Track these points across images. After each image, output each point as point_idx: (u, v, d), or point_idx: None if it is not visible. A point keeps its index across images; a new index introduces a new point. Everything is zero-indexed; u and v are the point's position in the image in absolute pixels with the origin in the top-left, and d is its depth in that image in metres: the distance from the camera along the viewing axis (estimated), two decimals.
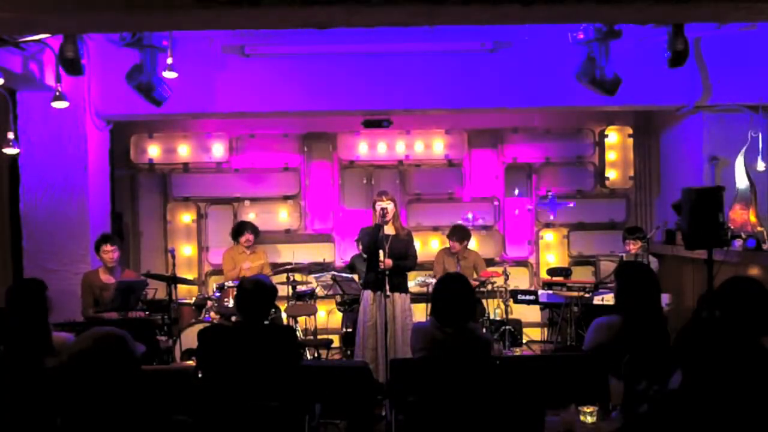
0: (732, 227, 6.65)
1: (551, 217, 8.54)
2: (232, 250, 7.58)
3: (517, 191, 8.51)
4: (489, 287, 7.45)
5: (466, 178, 8.74)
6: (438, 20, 4.10)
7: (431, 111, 7.57)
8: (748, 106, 7.13)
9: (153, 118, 7.57)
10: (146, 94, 6.25)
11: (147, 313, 6.61)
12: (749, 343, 2.51)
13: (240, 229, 7.56)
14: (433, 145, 8.70)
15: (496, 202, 8.75)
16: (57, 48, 5.83)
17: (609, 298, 6.72)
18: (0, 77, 5.58)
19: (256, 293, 4.09)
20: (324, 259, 8.49)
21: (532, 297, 7.53)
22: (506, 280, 7.41)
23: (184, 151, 8.55)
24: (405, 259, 6.27)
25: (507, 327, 7.23)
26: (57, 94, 5.94)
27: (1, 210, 6.86)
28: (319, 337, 7.64)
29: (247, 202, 8.60)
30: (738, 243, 6.35)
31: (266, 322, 4.46)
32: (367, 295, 6.23)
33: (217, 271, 8.31)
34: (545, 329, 8.46)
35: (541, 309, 8.22)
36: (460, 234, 7.47)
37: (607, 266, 7.67)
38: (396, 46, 7.03)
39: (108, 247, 6.35)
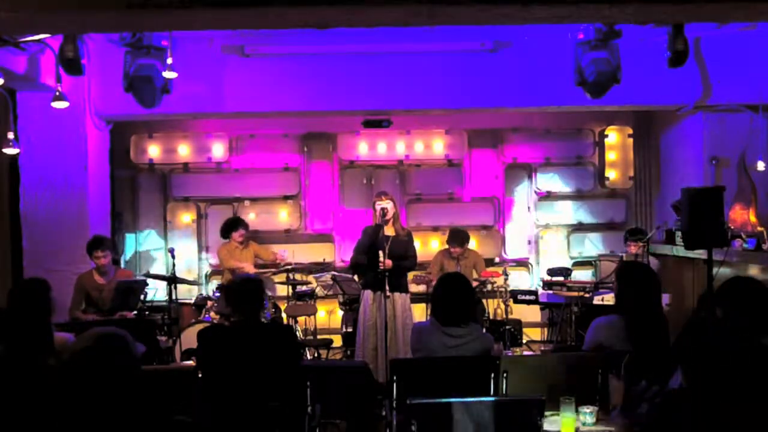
0: (732, 227, 6.65)
1: None
2: (226, 246, 7.52)
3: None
4: (489, 287, 7.45)
5: (466, 178, 8.74)
6: (438, 20, 4.10)
7: (431, 111, 7.57)
8: (748, 106, 7.13)
9: (153, 118, 7.57)
10: (142, 96, 6.22)
11: (146, 312, 6.61)
12: (749, 342, 2.51)
13: (234, 224, 7.49)
14: (433, 145, 8.70)
15: (496, 202, 8.76)
16: (57, 48, 5.83)
17: (609, 298, 6.72)
18: (0, 77, 5.58)
19: (246, 289, 4.09)
20: (324, 259, 8.49)
21: (532, 297, 7.53)
22: (506, 280, 7.41)
23: (184, 151, 8.55)
24: (405, 259, 6.27)
25: (507, 327, 7.23)
26: (57, 94, 5.93)
27: (1, 210, 6.86)
28: (319, 337, 7.64)
29: (247, 202, 8.60)
30: (738, 243, 6.36)
31: (265, 321, 4.47)
32: (367, 295, 6.23)
33: (218, 271, 8.31)
34: (545, 329, 8.46)
35: (541, 309, 8.22)
36: (459, 238, 7.46)
37: (607, 266, 7.68)
38: (396, 46, 7.03)
39: (99, 253, 6.25)
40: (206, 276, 8.58)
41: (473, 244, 8.01)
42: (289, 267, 7.43)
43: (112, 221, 7.61)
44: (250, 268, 7.20)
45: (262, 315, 6.53)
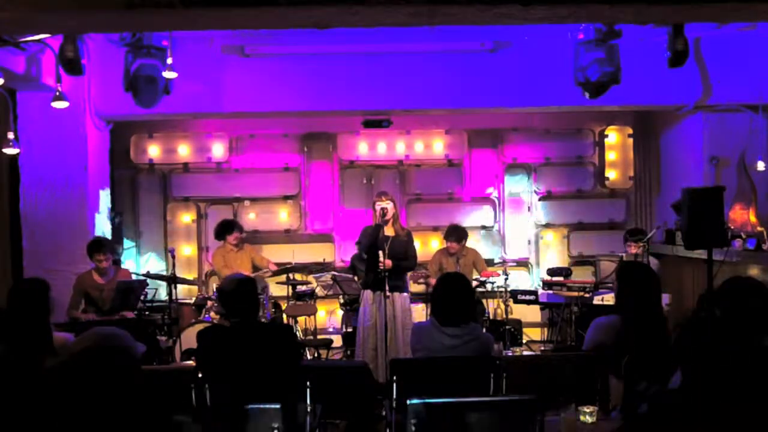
0: (732, 227, 6.65)
1: None
2: (221, 249, 7.49)
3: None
4: (489, 287, 7.44)
5: (466, 178, 8.74)
6: (438, 20, 4.10)
7: (431, 111, 7.57)
8: (748, 106, 7.13)
9: (153, 118, 7.57)
10: (143, 96, 6.21)
11: (146, 312, 6.60)
12: (749, 342, 2.51)
13: (229, 228, 7.41)
14: (433, 145, 8.70)
15: (496, 202, 8.76)
16: (57, 48, 5.83)
17: (609, 298, 6.72)
18: (0, 77, 5.57)
19: (238, 290, 4.06)
20: (324, 259, 8.49)
21: (532, 297, 7.53)
22: (506, 280, 7.41)
23: (184, 151, 8.55)
24: (405, 259, 6.26)
25: (507, 327, 7.23)
26: (57, 94, 5.93)
27: (1, 210, 6.85)
28: (319, 337, 7.64)
29: (247, 202, 8.60)
30: (738, 243, 6.36)
31: (264, 321, 4.46)
32: (367, 295, 6.23)
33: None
34: (545, 329, 8.46)
35: (541, 309, 8.22)
36: (457, 234, 7.46)
37: (607, 266, 7.68)
38: (396, 46, 7.03)
39: (101, 257, 6.23)
40: (206, 276, 8.58)
41: (471, 242, 7.99)
42: (289, 267, 7.41)
43: (112, 221, 7.60)
44: (247, 273, 7.11)
45: (262, 315, 6.55)
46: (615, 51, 6.25)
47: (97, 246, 6.30)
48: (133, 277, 6.92)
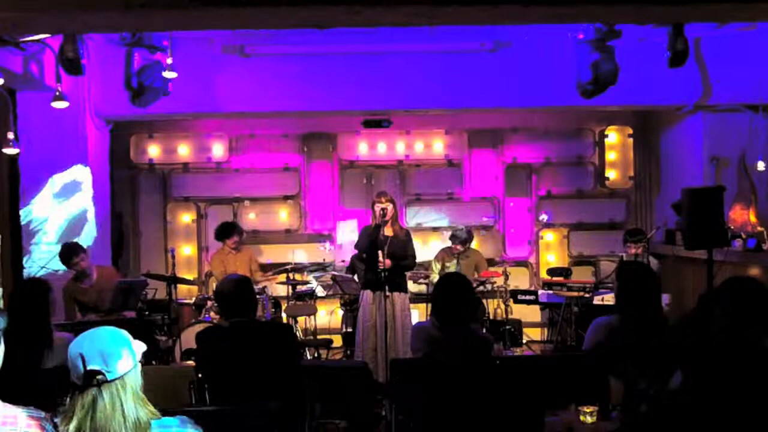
0: (732, 227, 6.65)
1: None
2: (220, 253, 7.50)
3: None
4: (489, 287, 7.44)
5: (466, 178, 8.74)
6: (438, 20, 4.11)
7: (431, 111, 7.57)
8: (748, 106, 7.14)
9: (153, 118, 7.57)
10: (147, 95, 6.21)
11: (146, 312, 6.59)
12: (749, 342, 2.51)
13: (228, 231, 7.43)
14: (433, 145, 8.70)
15: (496, 202, 8.76)
16: (57, 48, 5.83)
17: (609, 298, 6.71)
18: (0, 77, 5.57)
19: (237, 291, 4.05)
20: (324, 259, 8.49)
21: (532, 297, 7.52)
22: (506, 280, 7.40)
23: (184, 151, 8.55)
24: (404, 259, 6.26)
25: (507, 327, 7.23)
26: (57, 94, 5.93)
27: (2, 210, 6.85)
28: (319, 337, 7.64)
29: (247, 202, 8.60)
30: (738, 243, 6.36)
31: (264, 320, 4.45)
32: (367, 295, 6.23)
33: None
34: (545, 329, 8.45)
35: (541, 309, 8.21)
36: (462, 238, 7.45)
37: (607, 266, 7.67)
38: (396, 46, 7.03)
39: (77, 259, 6.05)
40: (206, 276, 8.58)
41: (474, 244, 7.99)
42: (289, 267, 7.41)
43: (112, 221, 7.60)
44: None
45: (262, 315, 6.55)
46: (614, 51, 6.25)
47: (72, 251, 6.11)
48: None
